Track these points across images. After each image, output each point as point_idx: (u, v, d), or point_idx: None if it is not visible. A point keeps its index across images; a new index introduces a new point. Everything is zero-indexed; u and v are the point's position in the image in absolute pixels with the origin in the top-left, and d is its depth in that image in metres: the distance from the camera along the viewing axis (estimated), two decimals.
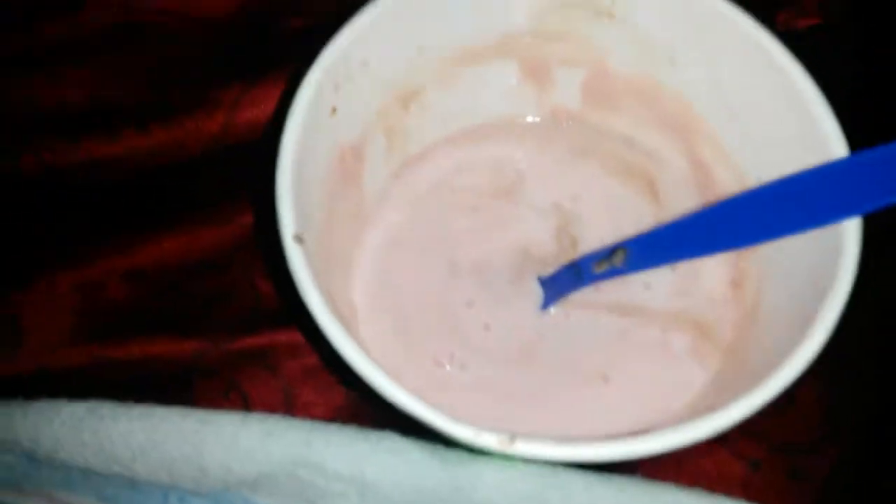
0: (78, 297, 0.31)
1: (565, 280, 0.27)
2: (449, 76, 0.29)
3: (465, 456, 0.26)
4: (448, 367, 0.27)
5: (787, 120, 0.24)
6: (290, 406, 0.30)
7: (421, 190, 0.30)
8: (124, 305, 0.31)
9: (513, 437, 0.19)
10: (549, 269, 0.29)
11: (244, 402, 0.30)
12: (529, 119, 0.31)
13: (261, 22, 0.34)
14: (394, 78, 0.27)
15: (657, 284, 0.28)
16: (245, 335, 0.30)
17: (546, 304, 0.28)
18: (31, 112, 0.32)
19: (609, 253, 0.26)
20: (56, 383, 0.29)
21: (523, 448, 0.19)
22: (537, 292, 0.28)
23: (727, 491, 0.27)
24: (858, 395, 0.30)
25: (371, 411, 0.29)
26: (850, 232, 0.21)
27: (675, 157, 0.29)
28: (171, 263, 0.31)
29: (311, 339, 0.25)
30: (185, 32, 0.34)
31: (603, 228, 0.29)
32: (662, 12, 0.26)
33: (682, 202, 0.29)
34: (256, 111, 0.32)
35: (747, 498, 0.27)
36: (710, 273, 0.28)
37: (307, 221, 0.23)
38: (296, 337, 0.30)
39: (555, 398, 0.26)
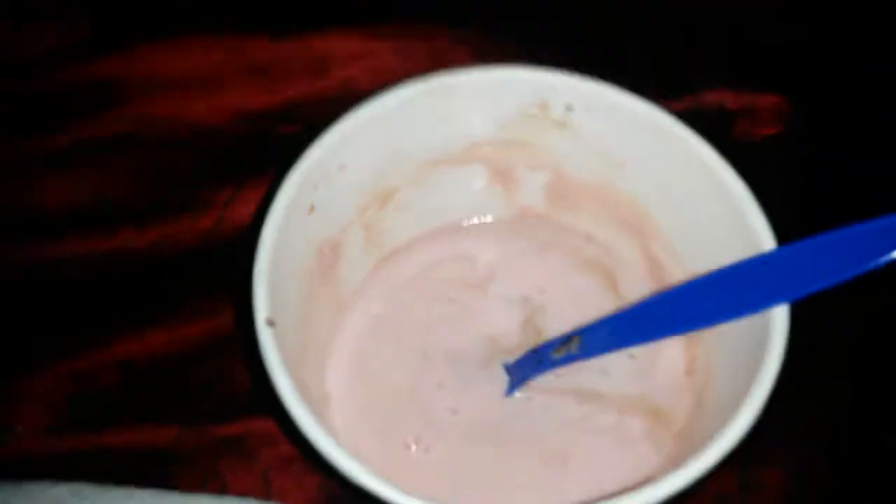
0: (71, 386, 0.32)
1: (528, 366, 0.29)
2: (423, 178, 0.32)
3: None
4: (414, 449, 0.28)
5: (724, 218, 0.26)
6: (267, 493, 0.31)
7: (398, 282, 0.32)
8: (113, 395, 0.32)
9: None
10: (515, 357, 0.30)
11: (221, 489, 0.31)
12: (499, 217, 0.34)
13: (254, 128, 0.37)
14: (370, 180, 0.30)
15: (615, 371, 0.29)
16: (224, 423, 0.31)
17: (511, 389, 0.29)
18: (32, 211, 0.35)
19: (565, 340, 0.28)
20: (44, 468, 0.30)
21: None
22: (503, 378, 0.30)
23: None
24: (822, 480, 0.31)
25: (346, 499, 0.30)
26: (777, 320, 0.23)
27: (630, 253, 0.32)
28: (158, 354, 0.33)
29: (285, 427, 0.26)
30: (184, 139, 0.37)
31: (566, 319, 0.31)
32: (610, 124, 0.29)
33: (638, 293, 0.31)
34: (246, 210, 0.35)
35: None
36: (666, 360, 0.30)
37: (282, 309, 0.25)
38: (273, 426, 0.31)
39: (515, 479, 0.27)
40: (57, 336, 0.33)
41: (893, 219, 0.21)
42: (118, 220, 0.35)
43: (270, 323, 0.23)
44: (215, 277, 0.34)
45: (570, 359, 0.28)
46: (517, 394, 0.29)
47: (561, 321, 0.31)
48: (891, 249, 0.20)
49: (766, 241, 0.25)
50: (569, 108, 0.29)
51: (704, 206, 0.27)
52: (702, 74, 0.40)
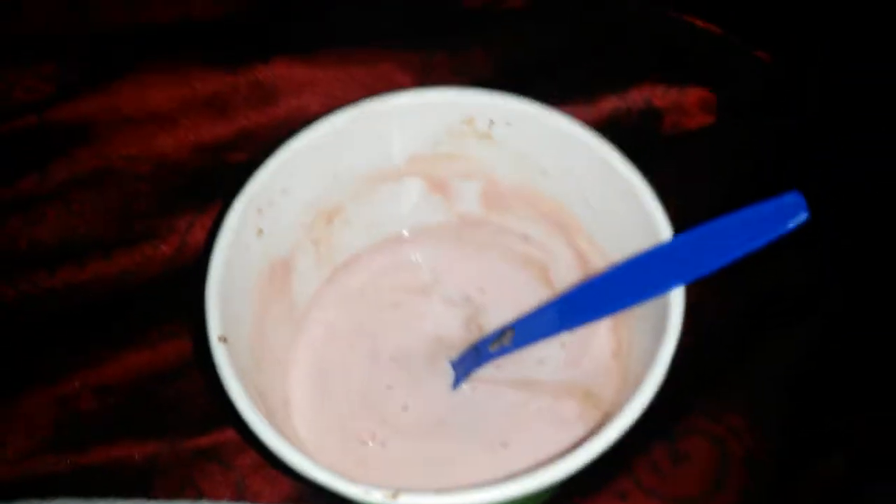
0: (55, 410, 0.35)
1: (469, 361, 0.32)
2: (364, 194, 0.34)
3: None
4: (371, 444, 0.31)
5: (629, 212, 0.29)
6: (241, 497, 0.33)
7: (349, 292, 0.35)
8: (93, 415, 0.35)
9: (396, 492, 0.22)
10: (459, 354, 0.33)
11: (199, 496, 0.33)
12: (440, 224, 0.36)
13: (209, 158, 0.40)
14: (314, 200, 0.32)
15: (549, 360, 0.32)
16: (197, 435, 0.34)
17: (456, 382, 0.32)
18: (9, 250, 0.37)
19: (499, 334, 0.30)
20: (30, 489, 0.32)
21: (406, 501, 0.22)
22: (449, 374, 0.33)
23: None
24: (745, 449, 0.33)
25: (314, 496, 0.33)
26: (674, 301, 0.26)
27: (561, 249, 0.34)
28: (133, 376, 0.35)
29: (247, 434, 0.29)
30: (145, 172, 0.40)
31: (506, 314, 0.34)
32: (528, 134, 0.31)
33: (570, 285, 0.34)
34: (205, 235, 0.38)
35: None
36: (595, 346, 0.32)
37: (235, 326, 0.27)
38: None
39: (462, 466, 0.30)
40: (37, 364, 0.36)
41: (768, 205, 0.24)
42: (87, 252, 0.37)
43: (223, 339, 0.26)
44: (181, 300, 0.36)
45: (504, 351, 0.30)
46: (463, 387, 0.32)
47: (501, 317, 0.34)
48: (773, 231, 0.23)
49: (663, 230, 0.27)
50: (492, 123, 0.32)
51: (613, 202, 0.30)
52: (628, 73, 0.43)
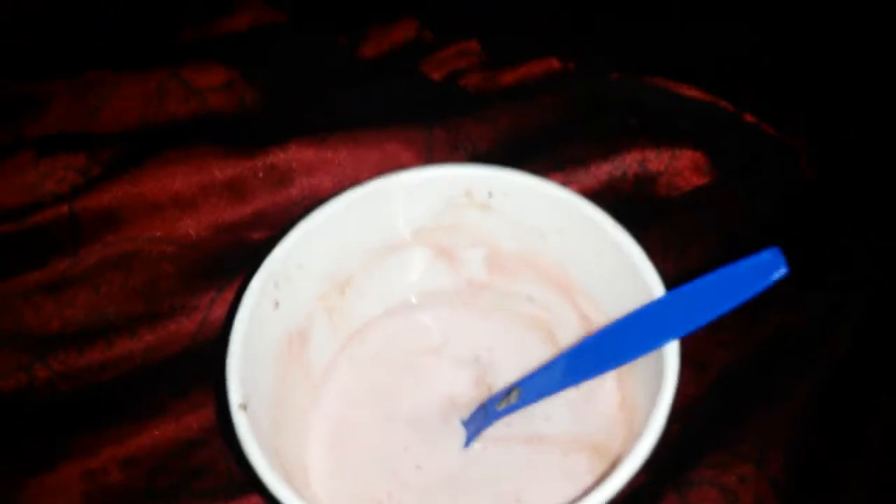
0: (84, 484, 0.36)
1: (479, 419, 0.33)
2: (374, 264, 0.36)
3: None
4: None
5: (622, 272, 0.31)
6: None
7: (363, 358, 0.37)
8: (121, 487, 0.36)
9: None
10: (470, 413, 0.34)
11: None
12: (447, 289, 0.38)
13: (229, 238, 0.42)
14: (327, 273, 0.35)
15: (556, 416, 0.33)
16: (225, 501, 0.35)
17: (468, 441, 0.33)
18: (41, 332, 0.40)
19: (506, 393, 0.32)
20: None
21: None
22: (462, 432, 0.34)
23: None
24: (757, 495, 0.34)
25: None
26: (670, 354, 0.27)
27: (565, 310, 0.36)
28: (159, 447, 0.37)
29: (268, 499, 0.30)
30: (170, 253, 0.42)
31: (513, 373, 0.35)
32: (525, 203, 0.34)
33: (574, 342, 0.35)
34: (226, 310, 0.40)
35: None
36: (602, 400, 0.34)
37: (255, 394, 0.29)
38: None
39: None
40: (67, 440, 0.37)
41: (749, 261, 0.25)
42: (114, 331, 0.40)
43: (243, 406, 0.27)
44: (204, 373, 0.38)
45: (512, 408, 0.32)
46: (474, 445, 0.33)
47: (509, 375, 0.35)
48: (755, 286, 0.25)
49: (655, 288, 0.29)
50: (490, 194, 0.34)
51: (608, 263, 0.32)
52: (620, 140, 0.45)
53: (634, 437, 0.30)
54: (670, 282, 0.30)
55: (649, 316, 0.28)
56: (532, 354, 0.36)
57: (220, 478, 0.36)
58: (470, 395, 0.35)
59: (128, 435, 0.37)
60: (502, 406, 0.32)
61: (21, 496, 0.36)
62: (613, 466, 0.31)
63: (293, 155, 0.43)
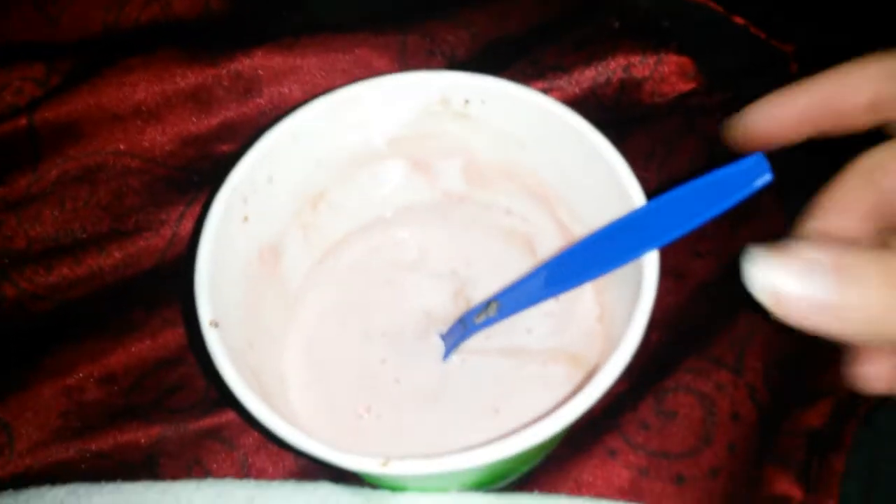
0: (62, 401, 0.36)
1: (457, 333, 0.33)
2: (348, 177, 0.35)
3: (386, 494, 0.30)
4: (366, 417, 0.32)
5: (603, 181, 0.30)
6: (246, 474, 0.35)
7: (340, 273, 0.36)
8: (99, 404, 0.36)
9: (386, 460, 0.24)
10: (448, 327, 0.34)
11: (206, 475, 0.34)
12: (424, 203, 0.37)
13: (196, 151, 0.41)
14: (299, 186, 0.33)
15: (537, 328, 0.33)
16: (201, 417, 0.35)
17: (446, 354, 0.33)
18: (6, 250, 0.39)
19: (485, 306, 0.31)
20: (41, 478, 0.33)
21: (396, 467, 0.24)
22: (440, 347, 0.34)
23: (619, 498, 0.32)
24: (734, 402, 0.34)
25: (317, 471, 0.34)
26: (649, 266, 0.27)
27: (543, 220, 0.35)
28: (135, 364, 0.37)
29: (244, 414, 0.30)
30: (134, 167, 0.40)
31: (492, 287, 0.35)
32: (503, 111, 0.32)
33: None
34: (194, 225, 0.38)
35: (639, 501, 0.32)
36: (581, 312, 0.33)
37: (228, 310, 0.28)
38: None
39: (456, 433, 0.31)
40: (42, 358, 0.37)
41: (732, 168, 0.24)
42: (82, 247, 0.38)
43: (214, 324, 0.27)
44: (177, 289, 0.37)
45: (490, 321, 0.31)
46: (453, 358, 0.33)
47: (488, 289, 0.35)
48: (739, 193, 0.24)
49: (636, 197, 0.28)
50: (467, 102, 0.33)
51: (588, 172, 0.31)
52: (604, 45, 0.43)
53: (611, 347, 0.29)
54: (654, 191, 0.29)
55: (630, 225, 0.27)
56: (511, 267, 0.35)
57: (197, 394, 0.36)
58: (448, 310, 0.35)
59: (103, 352, 0.37)
60: (481, 319, 0.31)
61: (2, 413, 0.35)
62: (591, 376, 0.31)
63: (260, 62, 0.41)
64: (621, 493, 0.32)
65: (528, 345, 0.33)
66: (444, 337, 0.34)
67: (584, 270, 0.28)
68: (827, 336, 0.22)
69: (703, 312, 0.37)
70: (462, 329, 0.32)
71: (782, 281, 0.22)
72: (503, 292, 0.31)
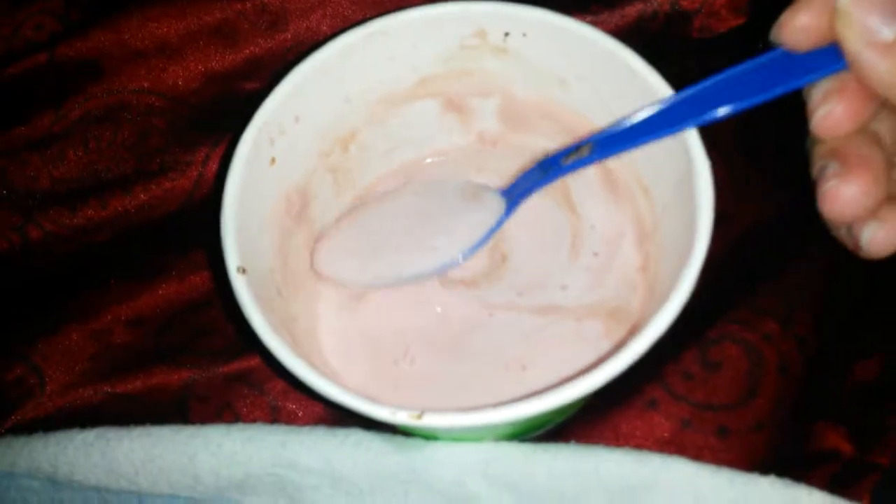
0: (91, 344, 0.36)
1: (532, 179, 0.31)
2: (379, 118, 0.33)
3: (419, 442, 0.30)
4: (401, 363, 0.31)
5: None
6: (276, 418, 0.34)
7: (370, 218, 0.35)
8: (128, 347, 0.36)
9: (421, 412, 0.23)
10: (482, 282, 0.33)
11: (236, 419, 0.34)
12: (458, 146, 0.35)
13: (222, 89, 0.39)
14: (327, 126, 0.32)
15: (572, 285, 0.32)
16: (231, 361, 0.35)
17: (513, 204, 0.31)
18: (30, 190, 0.38)
19: (576, 148, 0.29)
20: (71, 420, 0.33)
21: (430, 420, 0.23)
22: (476, 294, 0.32)
23: (659, 449, 0.31)
24: (781, 354, 0.33)
25: (348, 416, 0.34)
26: (703, 209, 0.25)
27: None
28: (163, 307, 0.36)
29: (271, 361, 0.29)
30: (159, 106, 0.39)
31: (528, 242, 0.33)
32: (545, 45, 0.30)
33: (592, 207, 0.33)
34: (221, 166, 0.37)
35: (680, 454, 0.30)
36: (621, 261, 0.32)
37: (255, 255, 0.27)
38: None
39: (484, 386, 0.30)
40: (69, 301, 0.36)
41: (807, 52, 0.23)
42: (107, 189, 0.38)
43: (242, 270, 0.26)
44: (205, 232, 0.36)
45: (580, 163, 0.29)
46: (482, 312, 0.32)
47: (523, 244, 0.33)
48: (805, 76, 0.24)
49: (690, 137, 0.26)
50: (506, 35, 0.31)
51: (635, 108, 0.28)
52: None
53: (655, 298, 0.28)
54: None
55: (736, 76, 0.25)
56: (547, 221, 0.33)
57: (226, 338, 0.35)
58: (482, 264, 0.33)
59: (131, 295, 0.36)
60: (570, 160, 0.29)
61: (33, 355, 0.35)
62: (632, 328, 0.30)
63: None
64: (662, 445, 0.31)
65: (562, 302, 0.31)
66: (507, 191, 0.31)
67: (693, 114, 0.26)
68: None
69: (750, 261, 0.35)
70: (540, 175, 0.30)
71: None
72: (599, 135, 0.29)
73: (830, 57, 0.23)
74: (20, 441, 0.31)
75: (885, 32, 0.22)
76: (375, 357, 0.31)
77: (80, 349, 0.36)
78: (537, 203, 0.34)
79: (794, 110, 0.39)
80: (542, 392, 0.23)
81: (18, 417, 0.34)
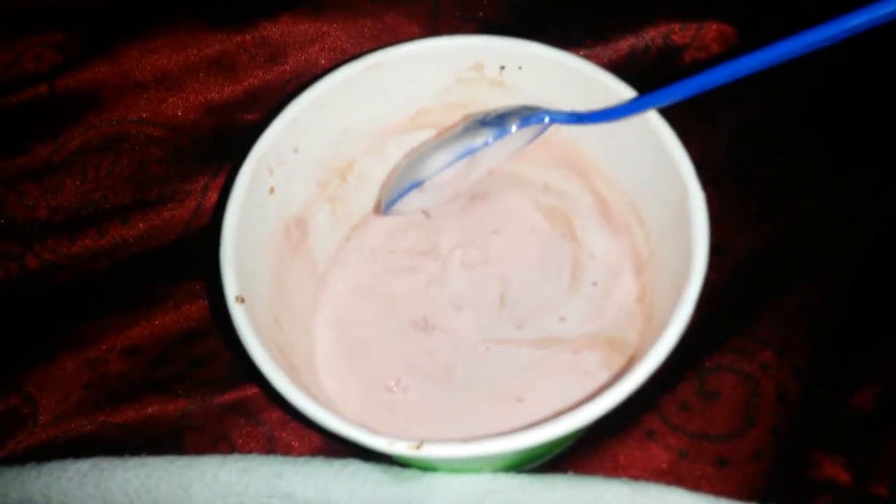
0: (85, 373, 0.35)
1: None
2: (377, 148, 0.34)
3: (416, 473, 0.29)
4: (395, 391, 0.31)
5: (646, 148, 0.28)
6: (272, 449, 0.34)
7: (369, 248, 0.35)
8: (123, 376, 0.35)
9: (420, 443, 0.23)
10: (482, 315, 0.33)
11: (231, 450, 0.34)
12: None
13: (220, 120, 0.40)
14: (326, 157, 0.32)
15: (571, 316, 0.32)
16: (227, 391, 0.34)
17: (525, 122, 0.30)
18: (29, 220, 0.38)
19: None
20: (65, 450, 0.33)
21: (429, 451, 0.23)
22: (471, 322, 0.32)
23: (657, 480, 0.31)
24: (778, 383, 0.33)
25: (344, 446, 0.33)
26: (699, 241, 0.25)
27: (581, 195, 0.34)
28: (160, 336, 0.36)
29: (268, 389, 0.29)
30: (158, 136, 0.39)
31: (528, 272, 0.33)
32: (540, 78, 0.31)
33: (592, 236, 0.33)
34: (220, 196, 0.37)
35: (678, 484, 0.30)
36: (620, 292, 0.32)
37: (253, 285, 0.27)
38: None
39: (477, 419, 0.30)
40: (64, 330, 0.36)
41: None
42: (105, 218, 0.38)
43: (240, 299, 0.26)
44: (203, 262, 0.36)
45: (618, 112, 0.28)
46: (478, 346, 0.32)
47: (523, 274, 0.33)
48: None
49: (684, 167, 0.27)
50: (503, 68, 0.31)
51: (631, 141, 0.29)
52: (643, 11, 0.41)
53: (652, 327, 0.28)
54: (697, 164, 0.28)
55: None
56: (546, 246, 0.34)
57: (223, 367, 0.35)
58: (479, 290, 0.33)
59: (128, 324, 0.36)
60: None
61: (27, 384, 0.35)
62: (630, 359, 0.30)
63: (285, 28, 0.40)
64: (660, 475, 0.31)
65: (561, 334, 0.32)
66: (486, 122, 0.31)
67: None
68: None
69: (746, 290, 0.35)
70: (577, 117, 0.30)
71: None
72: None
73: None
74: (12, 472, 0.31)
75: None
76: (369, 384, 0.31)
77: (75, 378, 0.35)
78: (539, 234, 0.34)
79: (785, 139, 0.39)
80: (540, 423, 0.23)
81: (11, 447, 0.34)
